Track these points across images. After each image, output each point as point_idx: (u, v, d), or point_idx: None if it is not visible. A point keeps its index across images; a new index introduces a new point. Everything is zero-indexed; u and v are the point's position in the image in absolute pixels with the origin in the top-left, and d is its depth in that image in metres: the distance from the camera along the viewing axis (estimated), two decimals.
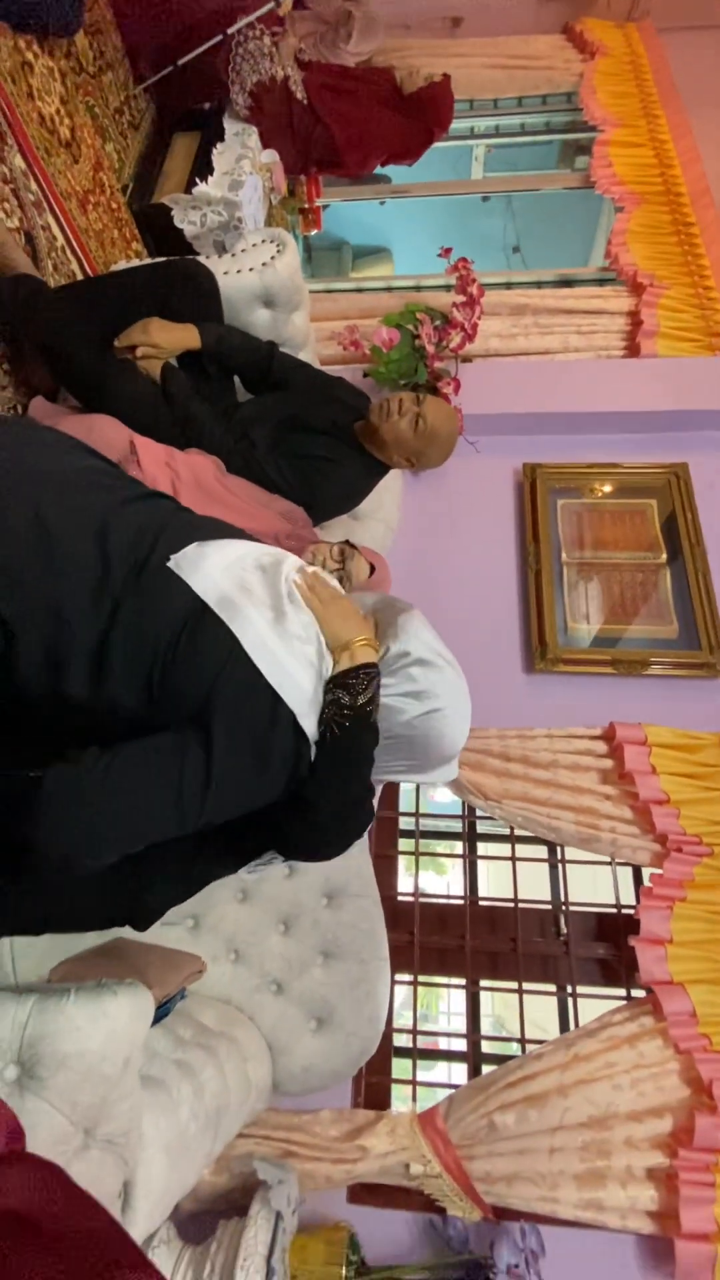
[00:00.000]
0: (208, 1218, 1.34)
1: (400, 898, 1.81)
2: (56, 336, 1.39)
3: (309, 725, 0.82)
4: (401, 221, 4.81)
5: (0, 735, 0.90)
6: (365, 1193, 1.47)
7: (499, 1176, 1.42)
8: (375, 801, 0.97)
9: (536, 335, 2.49)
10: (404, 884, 1.86)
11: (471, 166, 3.99)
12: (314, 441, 1.58)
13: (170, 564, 0.83)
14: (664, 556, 2.12)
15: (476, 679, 1.99)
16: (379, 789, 1.03)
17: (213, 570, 0.85)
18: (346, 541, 1.39)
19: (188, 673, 0.80)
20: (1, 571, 0.76)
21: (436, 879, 3.52)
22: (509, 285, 2.82)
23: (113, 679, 0.79)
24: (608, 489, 2.26)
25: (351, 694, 0.83)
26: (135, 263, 1.79)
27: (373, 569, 1.41)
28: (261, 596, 0.86)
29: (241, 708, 0.80)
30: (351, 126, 2.33)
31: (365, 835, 1.09)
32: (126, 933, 1.17)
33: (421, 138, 2.61)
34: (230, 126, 2.20)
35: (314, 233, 2.74)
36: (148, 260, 1.78)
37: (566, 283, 2.85)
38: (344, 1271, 1.30)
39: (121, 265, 1.79)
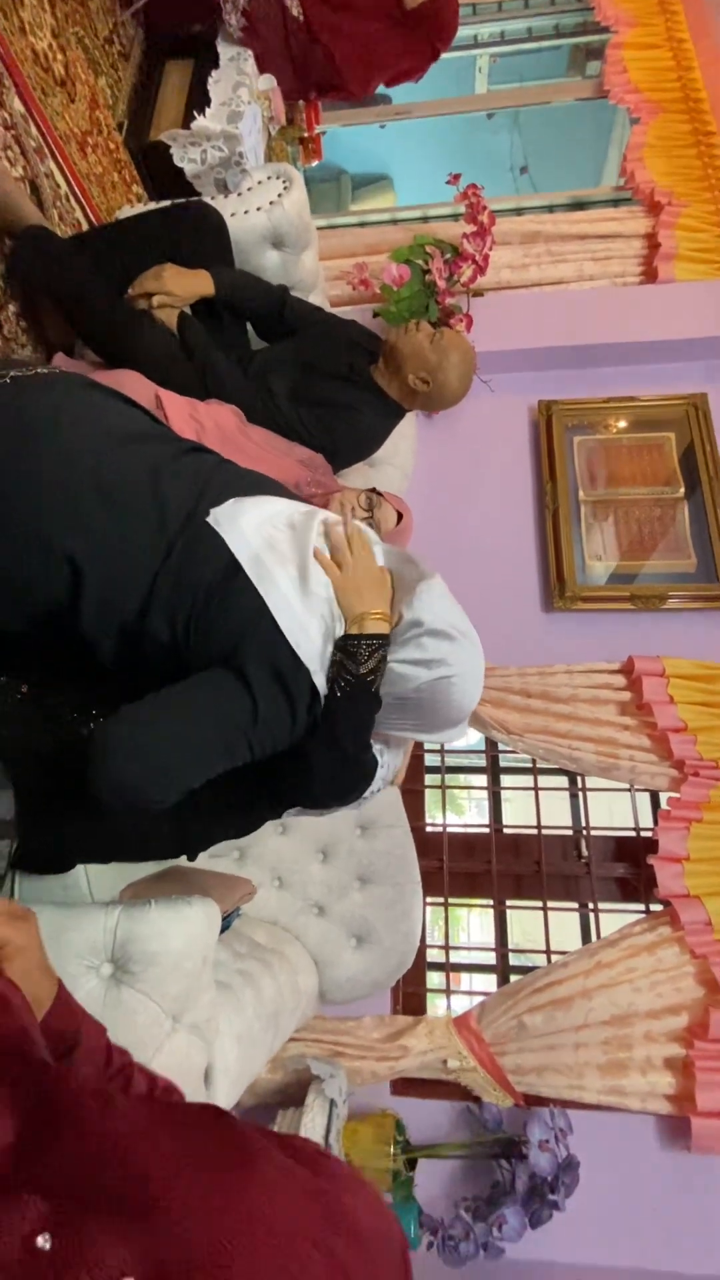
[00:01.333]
0: (266, 1111, 1.50)
1: (429, 828, 1.91)
2: (73, 290, 1.39)
3: (319, 681, 0.87)
4: (401, 146, 4.56)
5: (50, 675, 0.97)
6: (407, 1086, 1.62)
7: (529, 1069, 1.55)
8: (389, 760, 1.00)
9: (549, 264, 2.41)
10: (432, 817, 1.96)
11: (475, 79, 3.76)
12: (331, 387, 1.58)
13: (210, 519, 0.88)
14: (682, 490, 2.12)
15: (496, 619, 2.05)
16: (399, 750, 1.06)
17: (247, 528, 0.89)
18: (373, 489, 1.42)
19: (220, 624, 0.85)
20: (72, 513, 0.81)
21: (454, 818, 3.65)
22: (519, 211, 2.71)
23: (156, 616, 0.84)
24: (624, 424, 2.24)
25: (355, 661, 0.86)
26: (140, 208, 1.75)
27: (400, 516, 1.44)
28: (288, 554, 0.90)
29: (269, 657, 0.85)
30: (351, 44, 2.21)
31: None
32: (181, 862, 1.27)
33: (425, 53, 2.46)
34: (224, 51, 2.09)
35: (315, 163, 2.63)
36: (154, 205, 1.74)
37: (579, 205, 2.74)
38: (391, 1149, 1.46)
39: (127, 211, 1.75)
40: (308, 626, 0.87)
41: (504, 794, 1.98)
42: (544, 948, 1.75)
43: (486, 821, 1.91)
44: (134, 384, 1.24)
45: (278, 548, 0.90)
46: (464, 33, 3.32)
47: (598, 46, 3.10)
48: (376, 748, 0.98)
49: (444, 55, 2.85)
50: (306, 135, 2.48)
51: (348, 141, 4.31)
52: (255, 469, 1.39)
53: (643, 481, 2.16)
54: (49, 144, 1.61)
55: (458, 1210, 1.40)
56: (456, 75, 3.86)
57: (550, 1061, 1.55)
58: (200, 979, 0.80)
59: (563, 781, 1.93)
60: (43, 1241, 0.30)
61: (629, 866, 1.81)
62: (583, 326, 2.27)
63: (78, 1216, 0.31)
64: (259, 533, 0.90)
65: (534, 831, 1.86)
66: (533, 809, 1.87)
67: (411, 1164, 1.49)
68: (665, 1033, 1.55)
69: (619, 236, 2.45)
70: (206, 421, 1.32)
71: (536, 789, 1.89)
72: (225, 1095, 0.91)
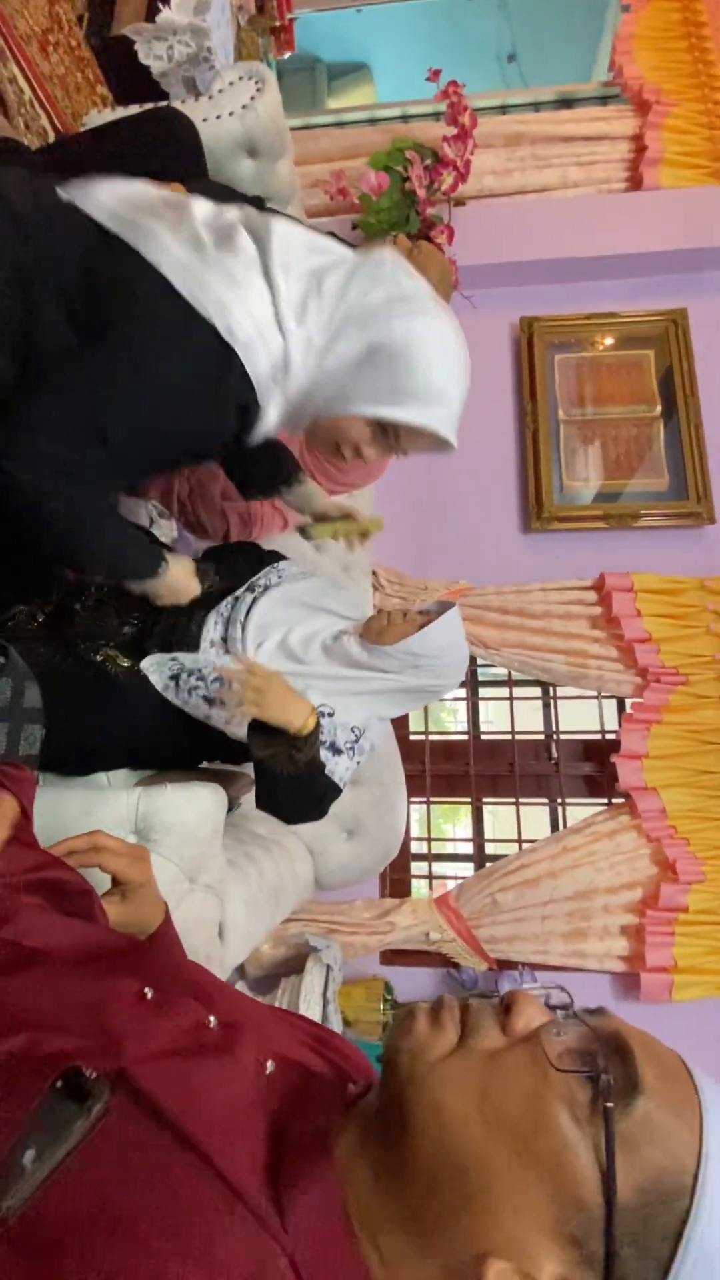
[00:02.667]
0: (270, 980, 1.70)
1: (413, 736, 2.06)
2: None
3: (255, 362, 0.82)
4: (380, 30, 4.20)
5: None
6: (394, 956, 1.83)
7: (501, 939, 1.76)
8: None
9: (534, 170, 2.34)
10: (416, 726, 2.10)
11: None
12: None
13: (61, 194, 0.83)
14: (659, 409, 2.16)
15: (476, 541, 2.13)
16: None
17: (104, 198, 0.84)
18: None
19: (102, 298, 0.81)
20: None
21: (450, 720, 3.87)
22: (503, 109, 2.59)
23: (44, 310, 0.81)
24: (606, 341, 2.24)
25: (301, 751, 0.98)
26: (108, 114, 1.68)
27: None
28: (173, 224, 0.84)
29: (157, 322, 0.81)
30: None
31: None
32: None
33: None
34: None
35: (287, 55, 2.48)
36: (121, 113, 1.66)
37: (566, 102, 2.61)
38: (381, 1006, 1.68)
39: (94, 117, 1.68)
40: (220, 295, 0.81)
41: (481, 703, 2.13)
42: (517, 838, 1.94)
43: (465, 729, 2.06)
44: None
45: (161, 217, 0.83)
46: None
47: None
48: (356, 731, 1.13)
49: None
50: (278, 24, 2.33)
51: (322, 27, 3.98)
52: None
53: (622, 400, 2.19)
54: (9, 45, 1.53)
55: None
56: None
57: (520, 931, 1.75)
58: (212, 846, 0.93)
59: (536, 691, 2.07)
60: (212, 1022, 0.44)
61: (595, 765, 1.98)
62: (565, 239, 2.24)
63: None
64: (124, 203, 0.84)
65: (509, 737, 2.01)
66: (508, 716, 2.01)
67: None
68: (621, 904, 1.75)
69: (605, 138, 2.37)
70: None
71: (511, 698, 2.03)
72: (235, 949, 1.06)
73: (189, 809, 0.90)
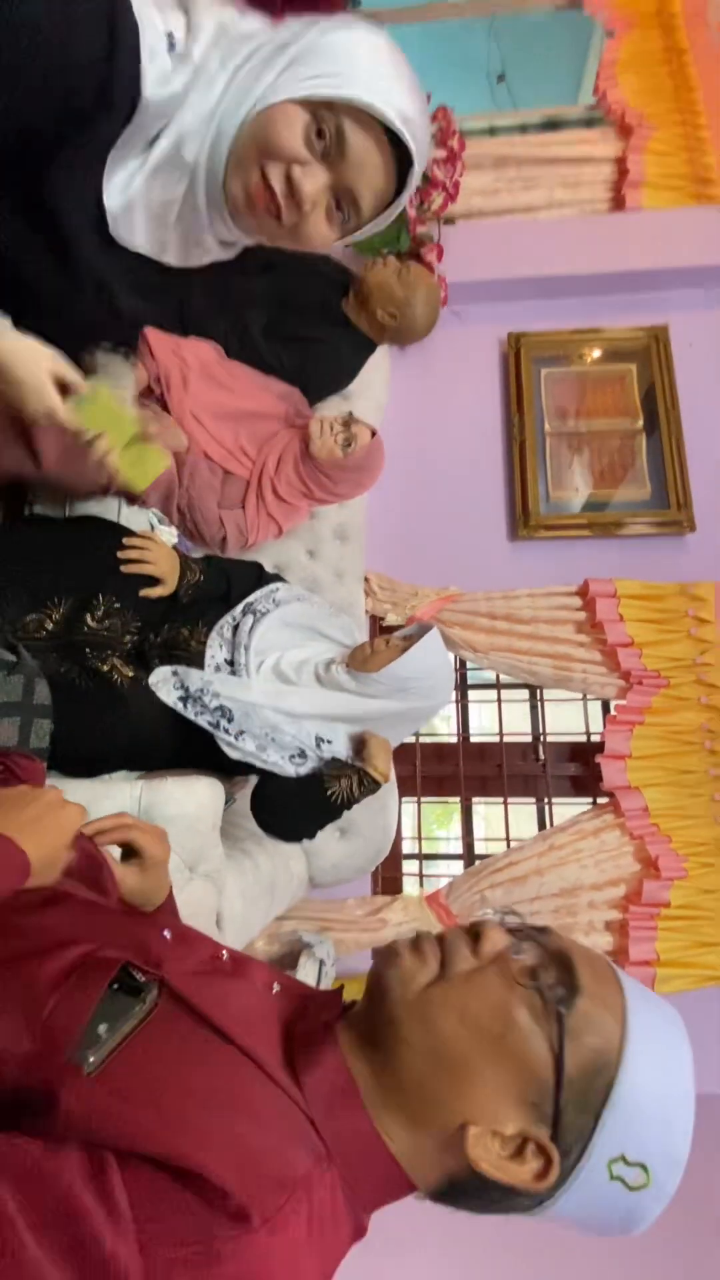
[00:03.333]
0: None
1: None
2: None
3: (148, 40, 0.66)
4: None
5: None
6: None
7: None
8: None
9: (520, 190, 2.42)
10: None
11: None
12: (305, 322, 1.65)
13: None
14: (641, 422, 2.24)
15: (466, 548, 2.19)
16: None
17: None
18: (349, 413, 1.52)
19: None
20: None
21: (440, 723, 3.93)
22: (492, 131, 2.67)
23: None
24: (590, 356, 2.32)
25: (360, 791, 1.13)
26: None
27: (374, 433, 1.55)
28: None
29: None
30: None
31: None
32: None
33: None
34: None
35: None
36: None
37: (552, 125, 2.70)
38: None
39: None
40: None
41: (470, 706, 2.18)
42: (505, 837, 1.99)
43: (455, 731, 2.11)
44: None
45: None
46: None
47: None
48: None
49: None
50: None
51: None
52: (237, 403, 1.49)
53: (606, 413, 2.27)
54: None
55: None
56: None
57: None
58: (211, 838, 0.98)
59: (524, 694, 2.13)
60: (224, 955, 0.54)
61: (580, 766, 2.04)
62: (551, 257, 2.31)
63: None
64: None
65: (497, 739, 2.07)
66: (496, 719, 2.07)
67: None
68: (606, 901, 1.81)
69: (590, 160, 2.45)
70: (190, 358, 1.40)
71: (500, 701, 2.09)
72: (232, 938, 1.11)
73: (189, 801, 0.95)
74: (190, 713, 1.11)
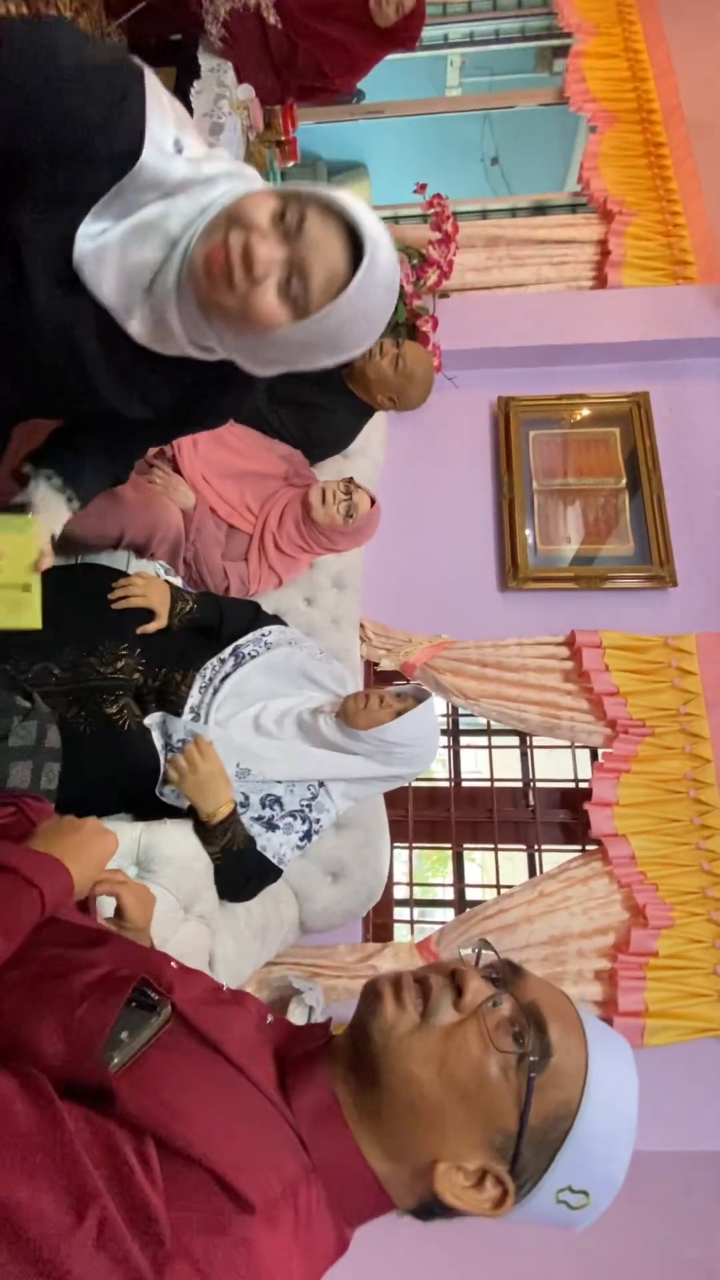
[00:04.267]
0: None
1: None
2: None
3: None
4: (376, 132, 4.65)
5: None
6: None
7: None
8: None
9: (510, 267, 2.60)
10: None
11: (447, 72, 3.88)
12: (307, 389, 1.77)
13: None
14: (624, 481, 2.35)
15: (457, 598, 2.27)
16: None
17: None
18: (350, 479, 1.62)
19: None
20: None
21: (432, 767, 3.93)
22: (484, 214, 2.88)
23: None
24: (575, 419, 2.45)
25: (217, 842, 1.09)
26: None
27: (373, 501, 1.64)
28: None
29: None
30: (333, 49, 2.34)
31: None
32: None
33: (395, 50, 2.61)
34: (205, 62, 2.22)
35: (291, 164, 2.77)
36: None
37: (540, 209, 2.92)
38: None
39: None
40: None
41: (462, 751, 2.23)
42: (495, 883, 2.01)
43: (447, 776, 2.15)
44: None
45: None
46: (435, 32, 3.45)
47: (563, 47, 3.26)
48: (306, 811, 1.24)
49: (417, 53, 3.00)
50: (283, 139, 2.62)
51: (322, 130, 4.40)
52: (242, 464, 1.58)
53: (591, 473, 2.39)
54: None
55: None
56: (430, 68, 3.98)
57: None
58: (205, 879, 1.02)
59: (514, 741, 2.18)
60: (224, 988, 0.59)
61: (569, 813, 2.07)
62: (539, 328, 2.47)
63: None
64: None
65: (488, 784, 2.11)
66: (487, 764, 2.12)
67: None
68: (594, 949, 1.82)
69: (574, 242, 2.65)
70: None
71: (490, 747, 2.14)
72: (225, 979, 1.13)
73: (186, 844, 1.00)
74: (164, 759, 1.14)
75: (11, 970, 0.52)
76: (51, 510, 0.94)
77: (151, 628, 1.22)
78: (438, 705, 2.20)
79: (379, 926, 2.00)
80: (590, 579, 2.21)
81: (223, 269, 0.72)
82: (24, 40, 0.69)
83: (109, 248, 0.74)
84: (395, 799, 2.07)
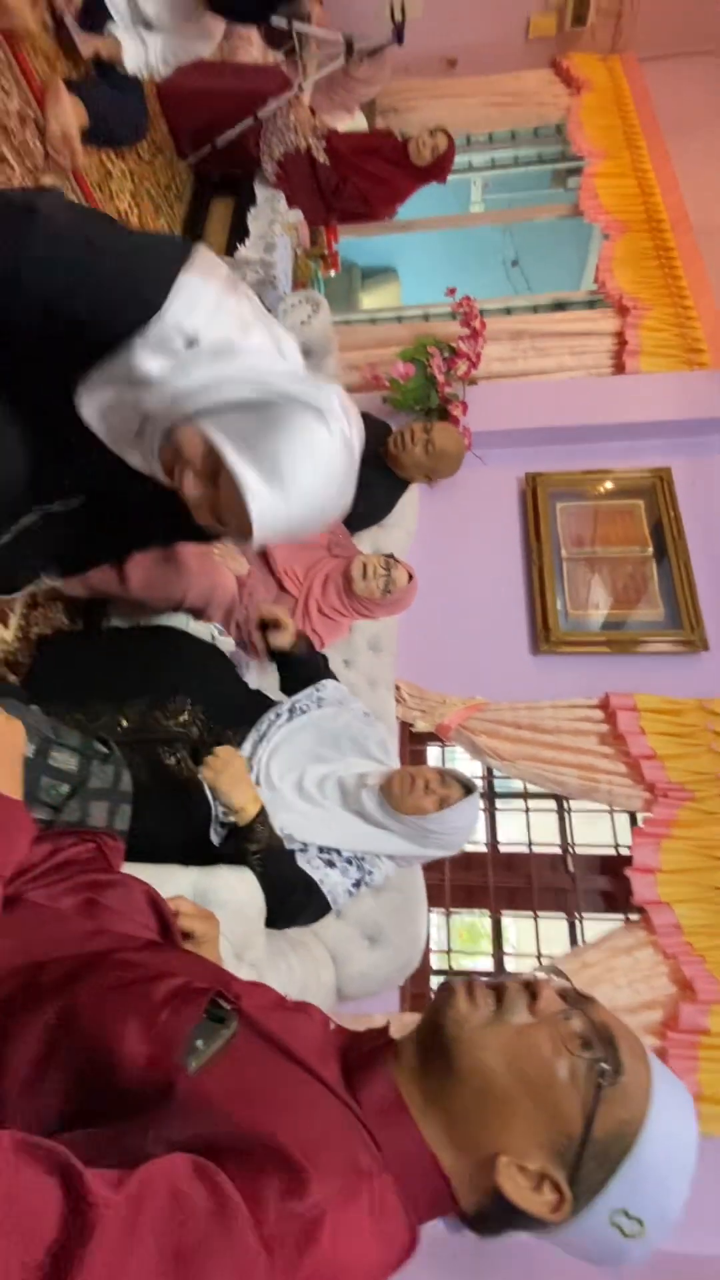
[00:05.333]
0: None
1: None
2: None
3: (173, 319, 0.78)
4: (405, 240, 5.14)
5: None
6: None
7: None
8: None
9: (534, 357, 2.81)
10: None
11: (471, 190, 4.31)
12: None
13: None
14: (651, 550, 2.44)
15: (491, 661, 2.34)
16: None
17: None
18: (390, 555, 1.73)
19: None
20: None
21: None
22: (508, 311, 3.14)
23: None
24: (601, 492, 2.58)
25: (257, 841, 1.14)
26: None
27: (410, 576, 1.74)
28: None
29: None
30: (375, 181, 2.66)
31: None
32: None
33: (429, 183, 2.95)
34: (261, 192, 2.55)
35: (332, 273, 3.09)
36: None
37: (560, 306, 3.17)
38: None
39: None
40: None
41: (499, 816, 2.22)
42: (535, 952, 1.96)
43: (484, 840, 2.14)
44: None
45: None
46: (460, 160, 3.86)
47: (577, 168, 3.62)
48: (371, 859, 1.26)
49: None
50: (326, 253, 2.93)
51: (358, 241, 4.89)
52: None
53: (617, 542, 2.48)
54: None
55: None
56: (455, 187, 4.42)
57: None
58: (257, 925, 1.05)
59: (551, 805, 2.17)
60: (288, 999, 0.62)
61: (610, 880, 2.03)
62: (563, 410, 2.64)
63: None
64: None
65: (525, 849, 2.09)
66: (524, 830, 2.11)
67: None
68: (642, 1025, 1.74)
69: (593, 334, 2.86)
70: None
71: (527, 810, 2.13)
72: None
73: (240, 888, 1.03)
74: (218, 810, 1.19)
75: (89, 977, 0.56)
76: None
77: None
78: (473, 768, 2.22)
79: (416, 996, 1.95)
80: (622, 643, 2.26)
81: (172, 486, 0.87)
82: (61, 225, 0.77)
83: (95, 420, 0.86)
84: (432, 863, 2.06)
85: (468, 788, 1.25)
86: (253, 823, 1.13)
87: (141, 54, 2.03)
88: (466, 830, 1.27)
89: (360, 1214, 0.45)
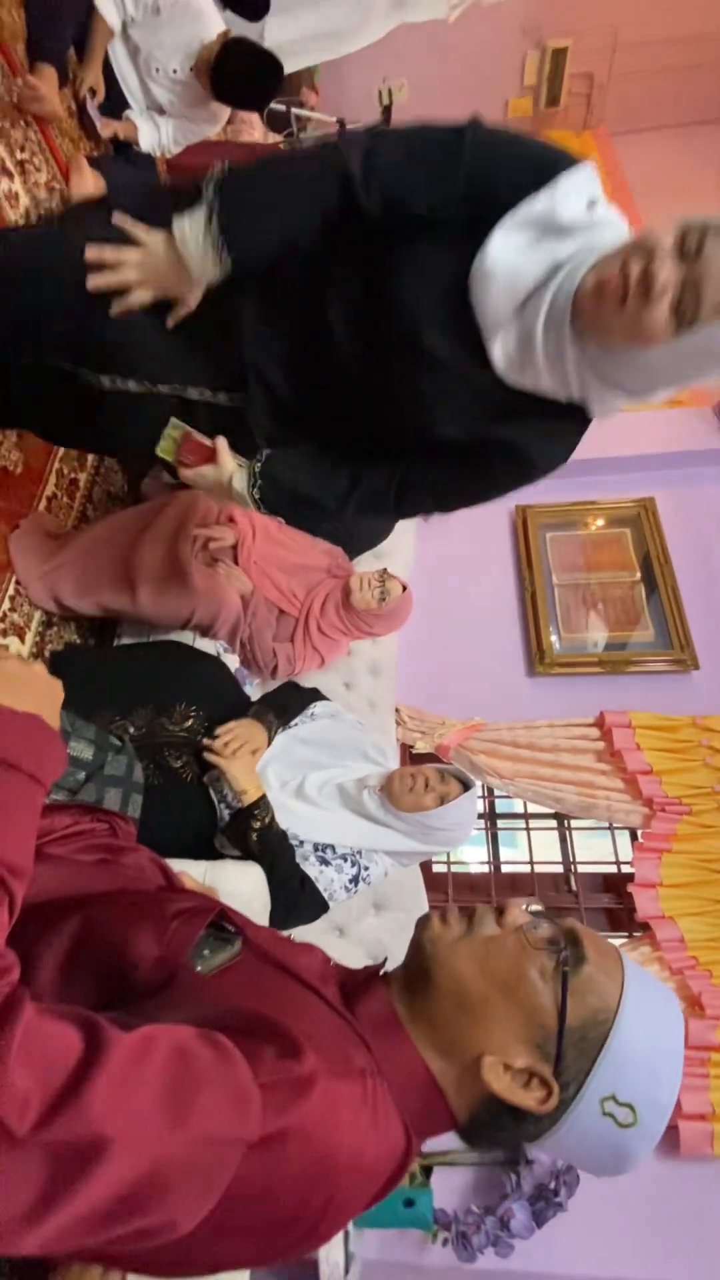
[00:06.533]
0: None
1: (435, 868, 2.15)
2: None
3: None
4: None
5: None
6: None
7: None
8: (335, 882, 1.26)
9: None
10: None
11: None
12: None
13: None
14: (639, 575, 2.53)
15: (488, 683, 2.39)
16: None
17: None
18: (385, 569, 1.81)
19: None
20: None
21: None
22: None
23: None
24: (588, 522, 2.69)
25: (261, 818, 1.20)
26: None
27: (404, 587, 1.82)
28: None
29: None
30: None
31: None
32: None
33: None
34: None
35: None
36: None
37: None
38: None
39: None
40: None
41: (500, 837, 2.24)
42: None
43: (486, 860, 2.15)
44: (205, 499, 1.67)
45: None
46: None
47: None
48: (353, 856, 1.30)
49: None
50: None
51: None
52: (291, 557, 1.79)
53: (606, 568, 2.58)
54: None
55: (470, 1206, 1.54)
56: None
57: None
58: (262, 920, 1.07)
59: (551, 824, 2.19)
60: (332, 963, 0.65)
61: (613, 898, 2.04)
62: None
63: None
64: None
65: (528, 869, 2.10)
66: (526, 850, 2.12)
67: (427, 1172, 1.63)
68: None
69: None
70: (255, 521, 1.74)
71: (529, 829, 2.15)
72: None
73: (245, 881, 1.07)
74: (223, 813, 1.24)
75: (103, 900, 0.61)
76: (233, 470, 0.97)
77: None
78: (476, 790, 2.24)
79: None
80: (615, 663, 2.32)
81: (616, 292, 0.77)
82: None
83: (501, 259, 0.82)
84: (435, 884, 2.07)
85: (465, 784, 1.30)
86: (255, 804, 1.18)
87: (154, 135, 2.25)
88: (466, 825, 1.31)
89: (354, 1096, 0.47)
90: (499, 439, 0.92)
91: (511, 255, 0.82)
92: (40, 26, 1.86)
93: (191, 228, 0.85)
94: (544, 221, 0.81)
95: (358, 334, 0.89)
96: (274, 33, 2.63)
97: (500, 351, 0.86)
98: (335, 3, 2.74)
